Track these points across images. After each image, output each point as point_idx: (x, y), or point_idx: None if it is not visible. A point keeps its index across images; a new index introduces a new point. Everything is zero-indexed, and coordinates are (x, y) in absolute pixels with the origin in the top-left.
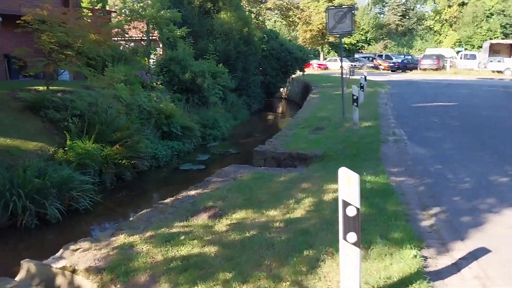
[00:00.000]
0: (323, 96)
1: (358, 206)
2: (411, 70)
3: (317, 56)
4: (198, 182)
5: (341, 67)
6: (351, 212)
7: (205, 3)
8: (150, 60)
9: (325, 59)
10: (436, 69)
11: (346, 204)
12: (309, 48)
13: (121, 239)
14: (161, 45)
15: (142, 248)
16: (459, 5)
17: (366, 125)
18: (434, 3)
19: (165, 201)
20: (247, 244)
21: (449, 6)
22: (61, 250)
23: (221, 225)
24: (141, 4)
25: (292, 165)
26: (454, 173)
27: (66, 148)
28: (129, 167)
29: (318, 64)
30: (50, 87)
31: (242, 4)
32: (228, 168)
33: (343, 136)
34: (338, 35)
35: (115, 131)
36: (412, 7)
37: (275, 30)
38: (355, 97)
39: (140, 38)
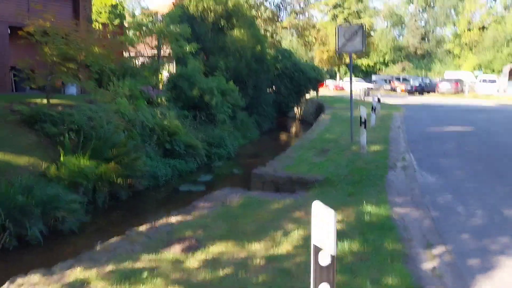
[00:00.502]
0: (334, 117)
1: (334, 252)
2: (428, 93)
3: (333, 77)
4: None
5: (351, 87)
6: (324, 260)
7: (218, 20)
8: (163, 77)
9: (341, 80)
10: (454, 93)
11: (318, 250)
12: (326, 68)
13: (76, 273)
14: (174, 62)
15: (96, 286)
16: (479, 29)
17: (375, 149)
18: (454, 26)
19: (140, 228)
20: (216, 286)
21: (469, 30)
22: (6, 284)
23: (194, 261)
24: (150, 19)
25: (291, 189)
26: (465, 206)
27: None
28: (125, 186)
29: (335, 86)
30: (52, 101)
31: (257, 22)
32: (220, 192)
33: (349, 160)
34: (348, 54)
35: (111, 147)
36: (431, 30)
37: (288, 49)
38: (363, 119)
39: (154, 55)
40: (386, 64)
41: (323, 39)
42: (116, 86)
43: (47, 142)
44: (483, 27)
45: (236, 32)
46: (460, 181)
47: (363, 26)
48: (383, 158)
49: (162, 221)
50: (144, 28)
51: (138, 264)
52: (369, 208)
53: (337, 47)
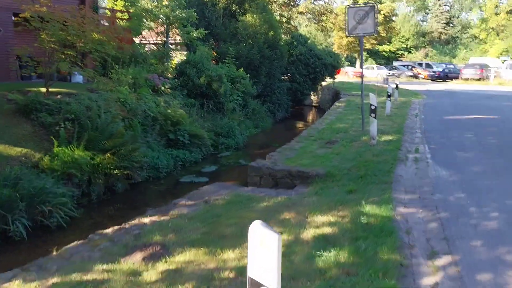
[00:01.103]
0: (348, 105)
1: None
2: (452, 80)
3: (353, 64)
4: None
5: (362, 74)
6: None
7: (230, 5)
8: (173, 63)
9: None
10: (479, 79)
11: (257, 285)
12: (345, 55)
13: (13, 287)
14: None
15: None
16: (507, 13)
17: (386, 140)
18: (481, 10)
19: (106, 230)
20: None
21: (496, 14)
22: None
23: (153, 273)
24: (155, 3)
25: (290, 184)
26: (479, 206)
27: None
28: (122, 178)
29: (354, 72)
30: (52, 89)
31: (272, 7)
32: (207, 187)
33: (356, 152)
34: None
35: (108, 138)
36: (456, 15)
37: (304, 35)
38: (372, 107)
39: (161, 41)
40: (408, 50)
41: (342, 24)
42: (119, 74)
43: (43, 132)
44: (511, 11)
45: (248, 18)
46: (477, 177)
47: (374, 6)
48: (394, 150)
49: (135, 221)
50: (149, 14)
51: (88, 276)
52: (368, 208)
53: (347, 30)
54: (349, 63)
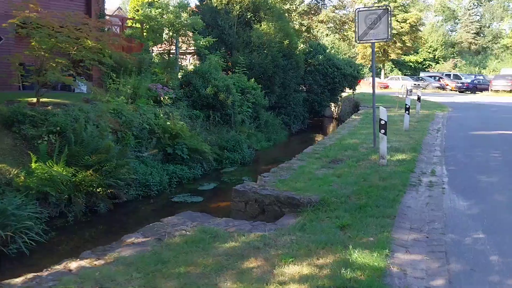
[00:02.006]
0: (365, 118)
1: None
2: (481, 91)
3: (378, 74)
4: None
5: (373, 84)
6: None
7: (244, 13)
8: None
9: (386, 77)
10: (510, 91)
11: None
12: (369, 65)
13: None
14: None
15: None
16: None
17: (399, 159)
18: None
19: (15, 280)
20: None
21: None
22: None
23: None
24: (159, 10)
25: (279, 212)
26: (503, 253)
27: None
28: (105, 197)
29: (378, 83)
30: (44, 99)
31: (292, 16)
32: (171, 218)
33: (361, 175)
34: (371, 45)
35: (92, 152)
36: (487, 25)
37: (323, 44)
38: (382, 122)
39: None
40: (436, 61)
41: None
42: (118, 83)
43: (24, 145)
44: None
45: (263, 26)
46: (502, 210)
47: (388, 9)
48: (406, 172)
49: (61, 266)
50: (151, 20)
51: None
52: (358, 254)
53: (356, 36)
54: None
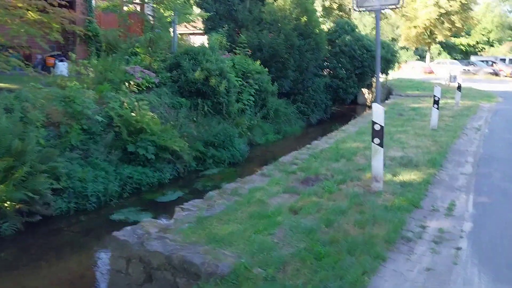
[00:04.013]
0: (389, 110)
1: None
2: None
3: (423, 58)
4: None
5: (377, 71)
6: None
7: None
8: None
9: (431, 60)
10: None
11: None
12: (414, 48)
13: None
14: None
15: None
16: None
17: (405, 180)
18: None
19: None
20: None
21: None
22: None
23: None
24: None
25: (172, 282)
26: None
27: None
28: (14, 214)
29: (424, 68)
30: None
31: None
32: None
33: (332, 211)
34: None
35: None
36: None
37: (351, 22)
38: (376, 127)
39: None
40: (490, 44)
41: (410, 12)
42: (80, 66)
43: None
44: None
45: (278, 0)
46: None
47: None
48: (406, 207)
49: None
50: None
51: None
52: None
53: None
54: (418, 57)
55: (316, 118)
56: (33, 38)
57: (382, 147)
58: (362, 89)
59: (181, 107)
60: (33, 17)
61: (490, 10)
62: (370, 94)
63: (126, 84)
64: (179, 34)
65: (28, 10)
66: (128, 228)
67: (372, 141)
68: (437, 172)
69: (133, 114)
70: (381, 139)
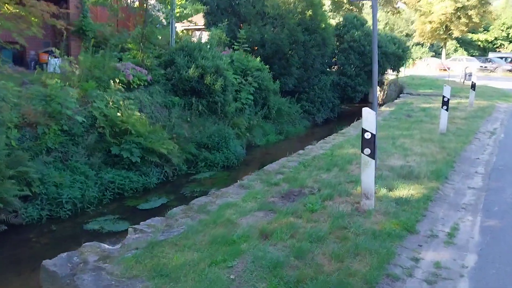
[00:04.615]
0: (398, 110)
1: None
2: None
3: (439, 54)
4: None
5: (374, 75)
6: None
7: None
8: None
9: (447, 57)
10: None
11: None
12: (429, 43)
13: None
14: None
15: None
16: None
17: (401, 196)
18: None
19: None
20: None
21: None
22: None
23: None
24: None
25: None
26: None
27: None
28: None
29: (439, 64)
30: None
31: None
32: None
33: (309, 236)
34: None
35: None
36: None
37: (361, 17)
38: (367, 136)
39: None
40: (510, 40)
41: (417, 4)
42: (64, 62)
43: None
44: None
45: None
46: None
47: None
48: (399, 233)
49: None
50: None
51: None
52: None
53: None
54: (433, 53)
55: (322, 117)
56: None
57: (374, 158)
58: None
59: (174, 106)
60: (9, 9)
61: (510, 5)
62: (381, 92)
63: (116, 81)
64: (185, 29)
65: (5, 3)
66: (64, 255)
67: (362, 152)
68: (441, 186)
69: (118, 114)
70: (373, 149)
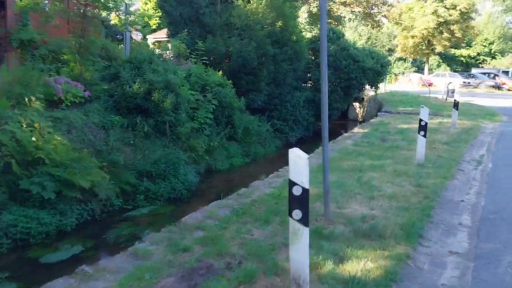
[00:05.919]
0: (371, 132)
1: None
2: None
3: (421, 70)
4: None
5: (323, 98)
6: None
7: None
8: None
9: (430, 72)
10: None
11: None
12: (412, 59)
13: None
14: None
15: None
16: None
17: (352, 274)
18: None
19: None
20: None
21: None
22: None
23: None
24: None
25: None
26: None
27: None
28: None
29: (421, 79)
30: None
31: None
32: None
33: None
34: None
35: None
36: None
37: (338, 29)
38: (296, 191)
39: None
40: (492, 56)
41: (399, 18)
42: None
43: None
44: None
45: (252, 3)
46: None
47: None
48: None
49: None
50: None
51: None
52: None
53: None
54: (416, 68)
55: (296, 136)
56: None
57: (307, 225)
58: (354, 103)
59: (114, 126)
60: None
61: (491, 21)
62: (361, 109)
63: (33, 99)
64: (157, 41)
65: None
66: None
67: (290, 216)
68: (411, 252)
69: (34, 138)
70: (305, 210)
